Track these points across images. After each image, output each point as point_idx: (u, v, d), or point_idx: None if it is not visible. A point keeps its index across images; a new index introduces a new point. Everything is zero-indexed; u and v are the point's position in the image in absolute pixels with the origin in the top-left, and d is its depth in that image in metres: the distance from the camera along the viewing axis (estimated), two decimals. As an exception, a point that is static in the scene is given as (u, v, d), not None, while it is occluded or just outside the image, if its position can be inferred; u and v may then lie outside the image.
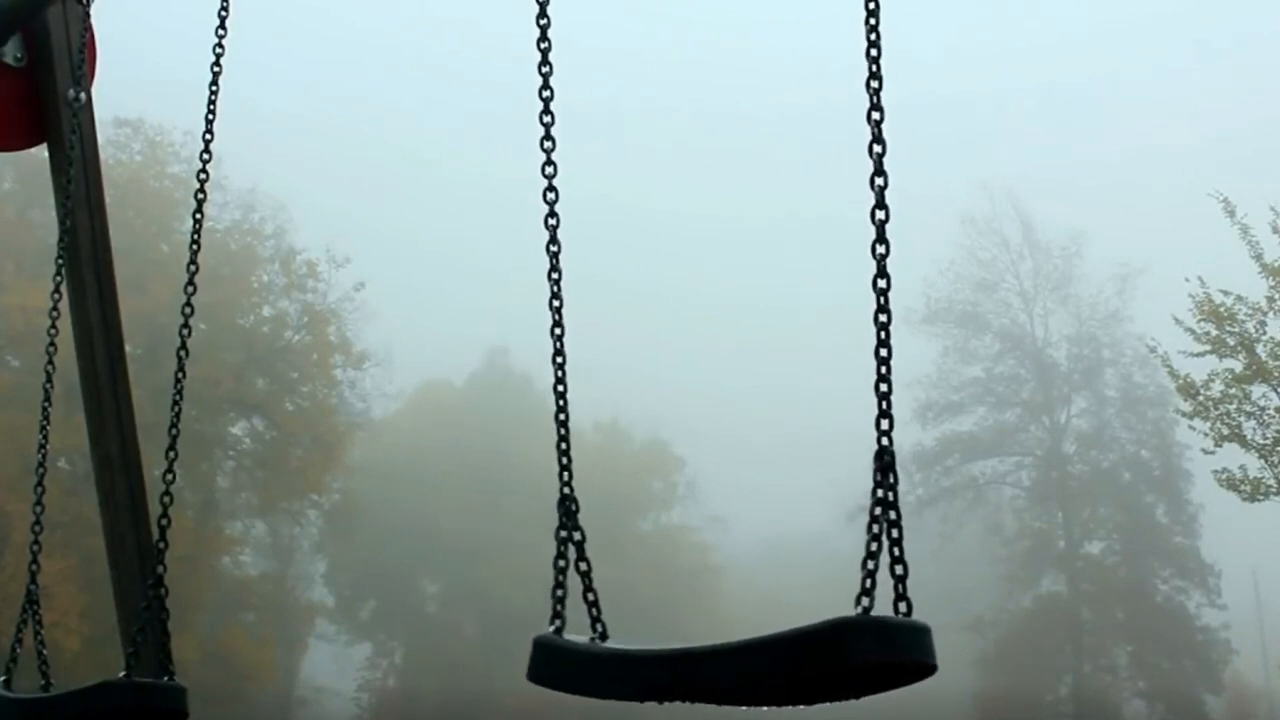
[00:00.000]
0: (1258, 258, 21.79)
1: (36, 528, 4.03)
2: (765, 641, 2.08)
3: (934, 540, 47.55)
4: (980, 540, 47.69)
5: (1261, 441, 21.57)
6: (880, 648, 2.04)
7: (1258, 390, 21.89)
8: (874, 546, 2.17)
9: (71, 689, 3.51)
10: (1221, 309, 22.14)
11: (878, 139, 2.31)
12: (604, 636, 2.51)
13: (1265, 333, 21.83)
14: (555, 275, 2.86)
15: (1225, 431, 21.81)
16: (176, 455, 3.56)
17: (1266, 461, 21.56)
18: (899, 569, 2.18)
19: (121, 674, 3.39)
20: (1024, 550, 46.38)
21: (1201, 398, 22.26)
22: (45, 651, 3.87)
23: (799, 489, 59.64)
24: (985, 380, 48.39)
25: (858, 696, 2.26)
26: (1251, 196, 22.66)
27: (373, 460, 44.58)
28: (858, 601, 2.09)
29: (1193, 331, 22.63)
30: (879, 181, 2.30)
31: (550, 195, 2.86)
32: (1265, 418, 21.67)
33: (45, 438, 4.20)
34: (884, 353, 2.30)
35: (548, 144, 2.88)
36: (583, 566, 2.66)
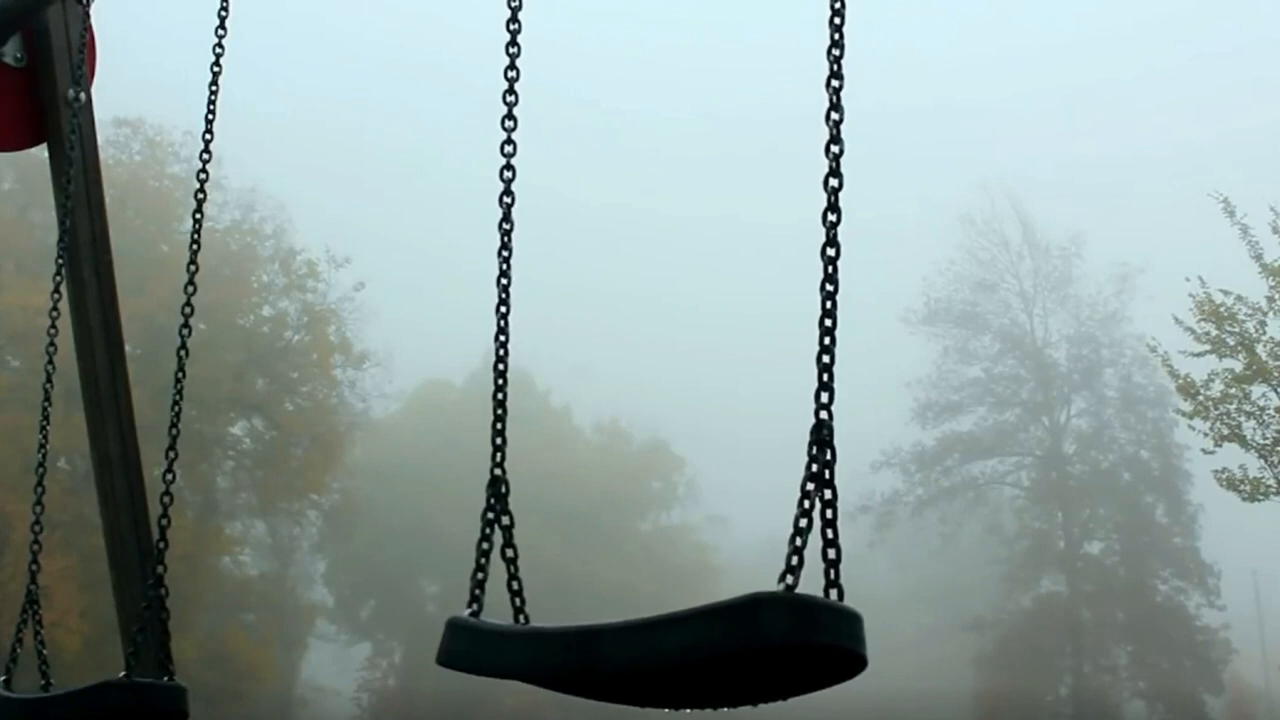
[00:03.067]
0: (1258, 258, 21.79)
1: (36, 528, 4.03)
2: (677, 615, 1.97)
3: (934, 540, 47.60)
4: (980, 540, 47.68)
5: (1261, 441, 21.56)
6: (800, 628, 1.88)
7: (1258, 390, 21.89)
8: (803, 523, 2.01)
9: (71, 689, 3.52)
10: (1221, 309, 22.14)
11: (835, 139, 2.26)
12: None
13: (1265, 333, 21.84)
14: (505, 254, 2.86)
15: (1225, 431, 21.81)
16: (176, 455, 3.57)
17: (1266, 461, 21.56)
18: (832, 552, 2.04)
19: (121, 674, 3.39)
20: (1024, 550, 46.35)
21: (1201, 398, 22.25)
22: (45, 651, 3.88)
23: (798, 489, 59.38)
24: (985, 380, 48.37)
25: (784, 694, 2.14)
26: (1251, 196, 22.69)
27: (373, 460, 44.58)
28: (781, 579, 1.95)
29: (1193, 331, 22.63)
30: (833, 182, 2.25)
31: (507, 174, 2.88)
32: (1265, 418, 21.67)
33: (45, 438, 4.20)
34: (828, 322, 2.20)
35: (509, 123, 2.90)
36: (509, 553, 2.59)
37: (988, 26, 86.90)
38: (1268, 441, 21.52)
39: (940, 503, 46.97)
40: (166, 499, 3.52)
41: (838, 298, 2.21)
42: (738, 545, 58.40)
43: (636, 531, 56.05)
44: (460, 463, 49.55)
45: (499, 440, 2.76)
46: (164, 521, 3.54)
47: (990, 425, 48.09)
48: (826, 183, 2.25)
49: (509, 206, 2.88)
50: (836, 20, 2.32)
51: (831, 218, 2.24)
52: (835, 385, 2.14)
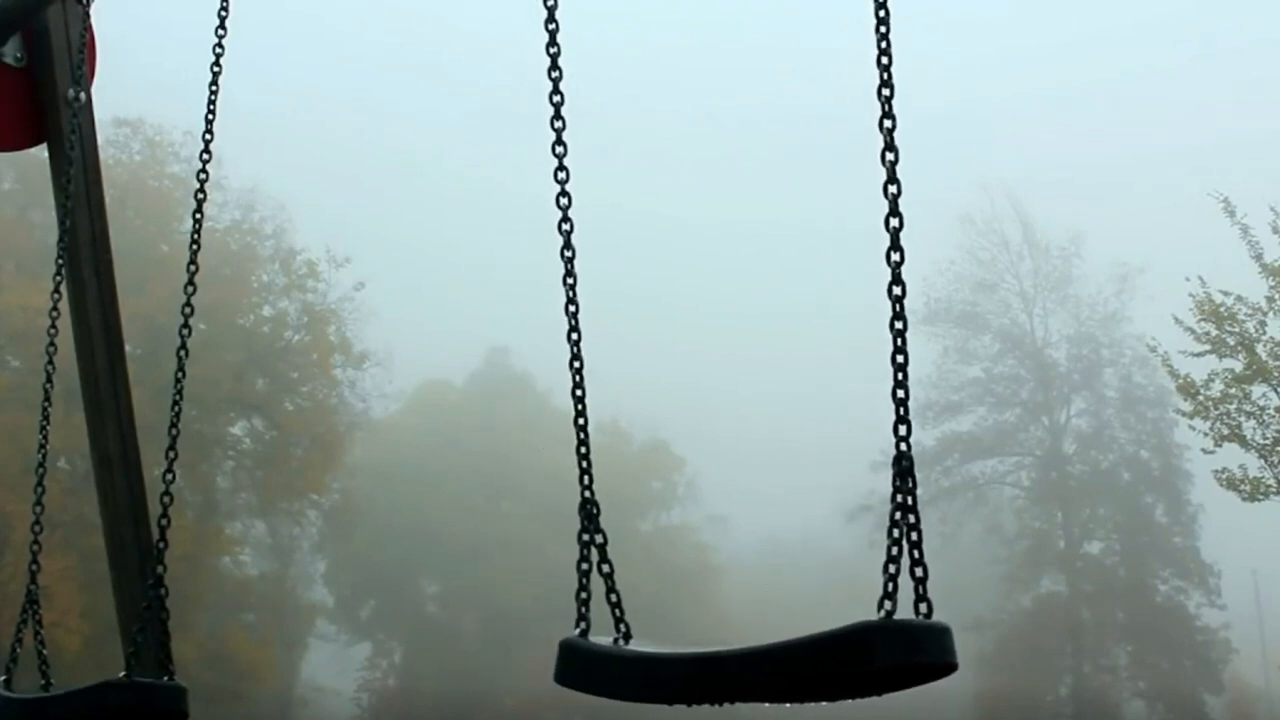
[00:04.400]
0: (1258, 258, 21.80)
1: (36, 528, 4.03)
2: (793, 645, 2.12)
3: (934, 540, 47.51)
4: (980, 540, 47.67)
5: (1261, 441, 21.57)
6: (905, 651, 2.09)
7: (1258, 390, 21.90)
8: (894, 550, 2.19)
9: (71, 689, 3.52)
10: (1221, 309, 22.15)
11: (890, 146, 2.30)
12: (627, 638, 2.52)
13: (1265, 333, 21.85)
14: (570, 280, 2.85)
15: (1225, 431, 21.82)
16: (176, 455, 3.56)
17: (1266, 461, 21.56)
18: (919, 571, 2.20)
19: (121, 674, 3.39)
20: (1024, 550, 46.36)
21: (1201, 398, 22.26)
22: (45, 651, 3.87)
23: (799, 489, 59.62)
24: (985, 380, 48.38)
25: (880, 694, 2.30)
26: (1251, 196, 22.69)
27: (373, 460, 44.57)
28: (880, 605, 2.12)
29: (1193, 331, 22.64)
30: (892, 190, 2.30)
31: (564, 200, 2.87)
32: (1265, 418, 21.67)
33: (45, 438, 4.20)
34: (900, 359, 2.27)
35: (559, 149, 2.89)
36: (605, 569, 2.68)
37: (988, 26, 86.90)
38: (1268, 441, 21.52)
39: (940, 503, 46.94)
40: (166, 499, 3.52)
41: (900, 326, 2.27)
42: (738, 545, 58.47)
43: (636, 531, 55.99)
44: (460, 463, 49.65)
45: (584, 464, 2.80)
46: (164, 521, 3.54)
47: (990, 425, 48.10)
48: (886, 189, 2.30)
49: (569, 234, 2.87)
50: (882, 29, 2.35)
51: (894, 223, 2.30)
52: (911, 420, 2.25)
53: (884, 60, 2.33)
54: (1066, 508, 46.08)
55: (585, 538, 2.69)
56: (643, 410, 58.54)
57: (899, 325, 2.27)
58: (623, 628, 2.55)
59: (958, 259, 48.83)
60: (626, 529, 54.97)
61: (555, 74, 2.91)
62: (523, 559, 45.51)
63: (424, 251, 69.62)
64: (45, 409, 4.17)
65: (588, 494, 2.75)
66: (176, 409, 3.65)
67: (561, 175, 2.88)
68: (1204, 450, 22.56)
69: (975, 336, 48.83)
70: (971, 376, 48.47)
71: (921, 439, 47.29)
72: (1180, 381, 22.74)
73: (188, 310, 3.73)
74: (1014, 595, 45.85)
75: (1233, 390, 21.92)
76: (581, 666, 2.45)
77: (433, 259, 69.92)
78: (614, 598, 2.62)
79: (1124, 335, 47.20)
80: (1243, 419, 21.78)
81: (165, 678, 3.47)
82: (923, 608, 2.17)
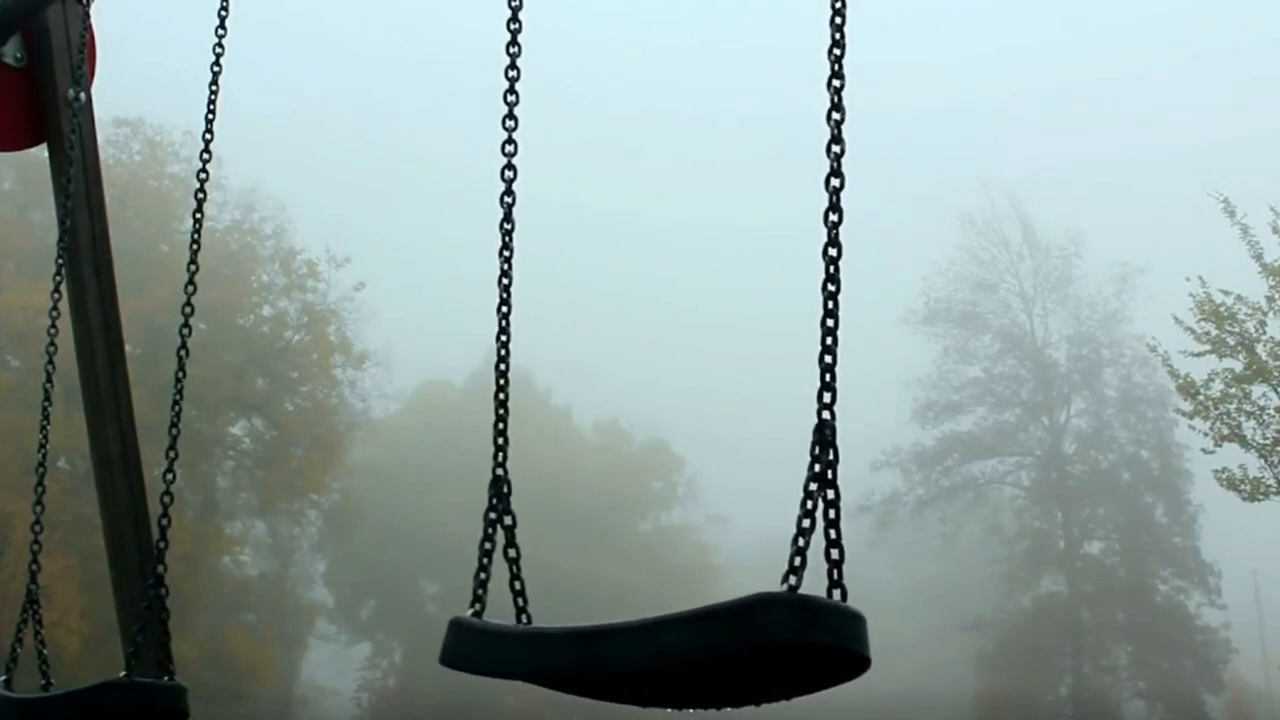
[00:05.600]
0: (1258, 258, 21.79)
1: (36, 528, 4.03)
2: (679, 616, 1.97)
3: (934, 540, 47.60)
4: (980, 540, 47.68)
5: (1261, 441, 21.56)
6: (804, 629, 1.89)
7: (1258, 390, 21.89)
8: (806, 523, 2.01)
9: (71, 689, 3.52)
10: (1221, 309, 22.14)
11: (836, 139, 2.24)
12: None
13: (1265, 333, 21.83)
14: (506, 254, 2.85)
15: (1225, 431, 21.80)
16: (176, 455, 3.57)
17: (1266, 461, 21.55)
18: (834, 552, 2.04)
19: (121, 674, 3.39)
20: (1024, 550, 46.35)
21: (1201, 398, 22.25)
22: (45, 651, 3.88)
23: (799, 489, 59.39)
24: (985, 380, 48.38)
25: (787, 695, 2.13)
26: (1251, 196, 22.68)
27: (373, 460, 44.59)
28: (784, 579, 1.95)
29: (1193, 331, 22.63)
30: (835, 183, 2.24)
31: (509, 174, 2.88)
32: (1265, 418, 21.66)
33: (45, 438, 4.20)
34: (830, 323, 2.18)
35: (510, 123, 2.90)
36: (511, 553, 2.59)
37: (988, 26, 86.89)
38: (1268, 441, 21.51)
39: (940, 503, 46.98)
40: (166, 499, 3.52)
41: (839, 298, 2.20)
42: (738, 545, 58.41)
43: (636, 532, 56.04)
44: (460, 463, 49.58)
45: (500, 440, 2.73)
46: (164, 521, 3.54)
47: (990, 425, 48.11)
48: (828, 182, 2.24)
49: (510, 206, 2.87)
50: (838, 20, 2.32)
51: (833, 217, 2.23)
52: (837, 386, 2.13)
53: (836, 52, 2.30)
54: (1066, 508, 46.07)
55: (492, 516, 2.60)
56: (643, 410, 58.61)
57: (831, 288, 2.20)
58: (524, 618, 2.47)
59: (958, 259, 48.92)
60: (626, 529, 55.03)
61: (513, 73, 2.93)
62: (522, 559, 45.40)
63: (424, 251, 69.67)
64: (45, 409, 4.17)
65: (500, 471, 2.67)
66: (176, 409, 3.65)
67: (509, 174, 2.88)
68: (1204, 450, 22.55)
69: (975, 336, 48.85)
70: (971, 376, 48.49)
71: (921, 439, 47.38)
72: (1180, 381, 22.73)
73: (188, 310, 3.73)
74: (1014, 595, 45.84)
75: (1233, 390, 21.92)
76: (465, 644, 2.32)
77: (433, 259, 69.96)
78: (518, 585, 2.55)
79: (1124, 335, 47.24)
80: (1243, 419, 21.77)
81: (165, 678, 3.47)
82: (836, 594, 1.99)
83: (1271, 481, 21.42)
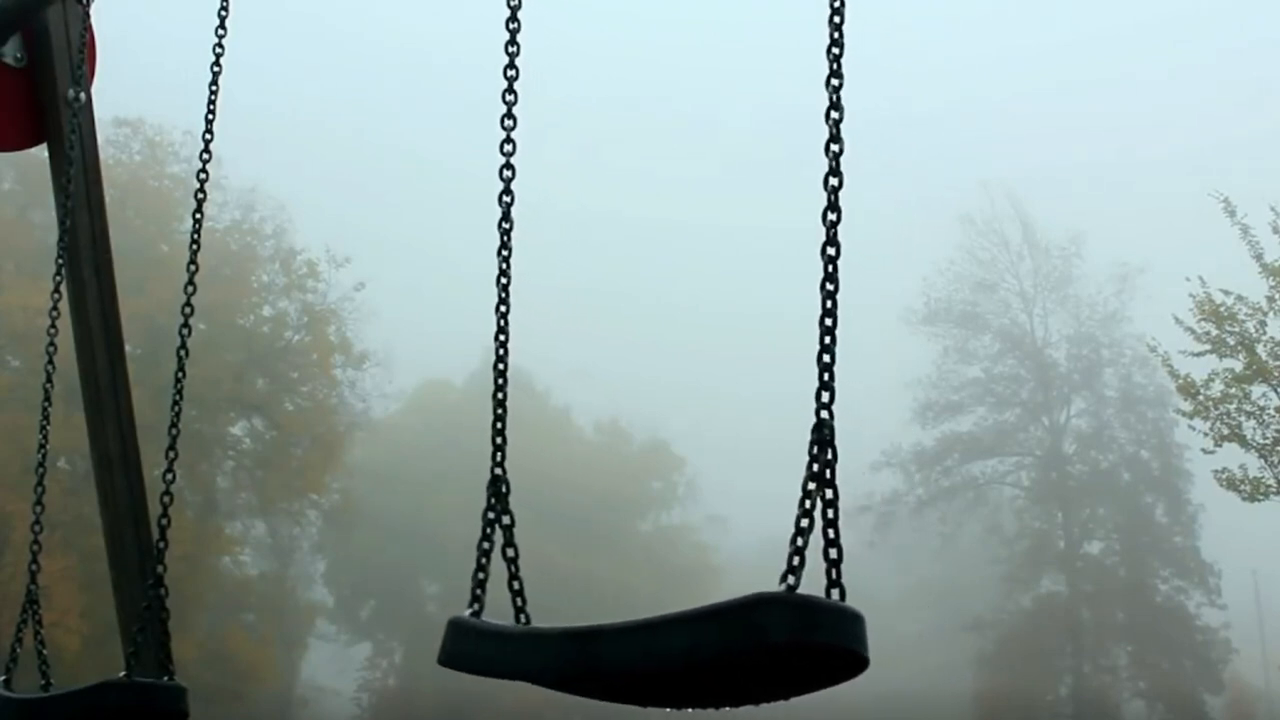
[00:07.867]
0: (1258, 258, 21.78)
1: (36, 528, 4.03)
2: (677, 616, 1.97)
3: (934, 540, 47.60)
4: (980, 540, 47.69)
5: (1261, 441, 21.55)
6: (802, 628, 1.89)
7: (1258, 390, 21.88)
8: (804, 522, 2.01)
9: (71, 689, 3.52)
10: (1221, 309, 22.14)
11: (835, 138, 2.24)
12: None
13: (1265, 333, 21.83)
14: (505, 253, 2.85)
15: (1225, 431, 21.80)
16: (176, 455, 3.57)
17: (1266, 461, 21.55)
18: (833, 552, 2.03)
19: (121, 674, 3.39)
20: (1024, 550, 46.36)
21: (1201, 398, 22.24)
22: (45, 651, 3.88)
23: (798, 489, 59.41)
24: (985, 380, 48.39)
25: (785, 694, 2.12)
26: (1251, 196, 22.68)
27: (373, 460, 44.57)
28: (783, 579, 1.95)
29: (1193, 331, 22.62)
30: (833, 182, 2.23)
31: (507, 173, 2.88)
32: (1265, 418, 21.66)
33: (45, 438, 4.20)
34: (829, 322, 2.18)
35: (508, 123, 2.90)
36: (510, 553, 2.59)
37: (988, 26, 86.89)
38: (1268, 441, 21.51)
39: (940, 503, 46.99)
40: (166, 499, 3.52)
41: (838, 297, 2.20)
42: (738, 545, 58.40)
43: (636, 532, 56.03)
44: (460, 463, 49.54)
45: (499, 440, 2.75)
46: (164, 521, 3.54)
47: (990, 425, 48.11)
48: (826, 182, 2.23)
49: (508, 206, 2.87)
50: (836, 19, 2.31)
51: (831, 217, 2.23)
52: (836, 385, 2.13)
53: (835, 51, 2.30)
54: (1066, 508, 46.07)
55: (490, 516, 2.60)
56: (643, 410, 58.59)
57: (830, 288, 2.20)
58: (522, 618, 2.47)
59: (958, 259, 48.93)
60: (626, 529, 55.02)
61: (512, 73, 2.93)
62: (522, 559, 45.42)
63: (424, 251, 69.69)
64: (45, 409, 4.17)
65: (499, 470, 2.68)
66: (176, 409, 3.65)
67: (508, 174, 2.88)
68: (1204, 450, 22.54)
69: (975, 336, 48.85)
70: (971, 376, 48.50)
71: (921, 439, 47.38)
72: (1180, 381, 22.73)
73: (188, 310, 3.73)
74: (1014, 595, 45.85)
75: (1233, 390, 21.91)
76: (464, 644, 2.33)
77: (433, 259, 69.98)
78: (517, 585, 2.55)
79: (1124, 335, 47.24)
80: (1243, 419, 21.77)
81: (165, 678, 3.47)
82: (834, 594, 1.99)
83: (1271, 481, 21.41)
